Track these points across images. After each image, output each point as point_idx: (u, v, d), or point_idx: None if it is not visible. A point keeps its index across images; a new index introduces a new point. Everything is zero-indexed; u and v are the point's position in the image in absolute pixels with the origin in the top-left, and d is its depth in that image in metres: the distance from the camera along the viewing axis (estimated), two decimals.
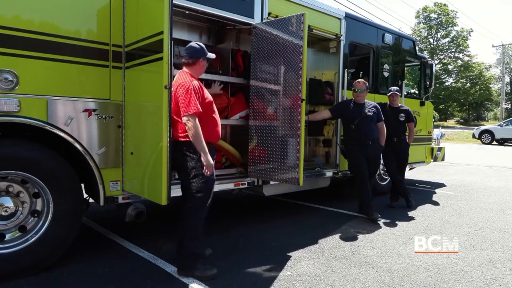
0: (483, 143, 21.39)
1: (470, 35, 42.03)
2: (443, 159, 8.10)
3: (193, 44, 3.17)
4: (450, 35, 42.35)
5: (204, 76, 3.58)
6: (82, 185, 3.44)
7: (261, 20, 4.27)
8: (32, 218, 3.10)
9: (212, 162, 3.01)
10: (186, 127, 2.93)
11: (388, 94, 5.61)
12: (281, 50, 3.96)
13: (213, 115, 3.21)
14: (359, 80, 5.04)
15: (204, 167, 2.98)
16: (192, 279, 3.01)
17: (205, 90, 3.16)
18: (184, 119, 2.92)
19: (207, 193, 3.11)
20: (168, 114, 2.83)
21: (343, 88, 5.42)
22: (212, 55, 3.23)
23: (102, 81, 3.28)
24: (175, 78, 3.12)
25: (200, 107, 2.95)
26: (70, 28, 3.10)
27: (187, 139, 2.99)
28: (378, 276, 3.19)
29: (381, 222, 4.80)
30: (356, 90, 4.96)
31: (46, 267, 3.07)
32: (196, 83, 3.04)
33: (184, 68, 3.16)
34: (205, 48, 3.19)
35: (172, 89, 2.96)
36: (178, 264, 3.18)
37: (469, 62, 41.73)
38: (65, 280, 2.98)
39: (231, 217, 5.02)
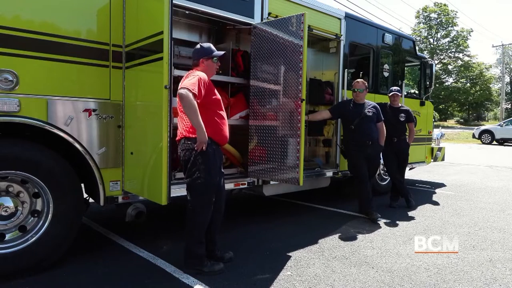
0: (483, 143, 21.38)
1: (470, 35, 42.07)
2: (443, 159, 8.10)
3: (198, 45, 3.22)
4: (450, 35, 42.36)
5: None
6: (82, 185, 3.44)
7: (261, 20, 4.27)
8: (32, 218, 3.10)
9: (205, 139, 2.89)
10: (180, 99, 2.82)
11: (389, 94, 5.61)
12: (281, 50, 3.96)
13: (220, 111, 3.18)
14: (358, 80, 5.05)
15: (197, 143, 2.90)
16: (193, 278, 3.01)
17: (214, 89, 3.16)
18: (182, 90, 2.80)
19: (206, 195, 3.09)
20: (168, 114, 2.83)
21: (343, 88, 5.42)
22: (218, 53, 3.21)
23: (102, 81, 3.28)
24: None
25: (202, 95, 2.92)
26: (70, 28, 3.10)
27: (193, 135, 2.97)
28: (378, 276, 3.19)
29: (381, 222, 4.80)
30: (356, 90, 4.97)
31: (46, 267, 3.07)
32: (205, 76, 3.04)
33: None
34: (210, 48, 3.20)
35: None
36: (185, 263, 3.18)
37: (469, 62, 41.71)
38: (65, 280, 2.98)
39: (231, 217, 5.01)
